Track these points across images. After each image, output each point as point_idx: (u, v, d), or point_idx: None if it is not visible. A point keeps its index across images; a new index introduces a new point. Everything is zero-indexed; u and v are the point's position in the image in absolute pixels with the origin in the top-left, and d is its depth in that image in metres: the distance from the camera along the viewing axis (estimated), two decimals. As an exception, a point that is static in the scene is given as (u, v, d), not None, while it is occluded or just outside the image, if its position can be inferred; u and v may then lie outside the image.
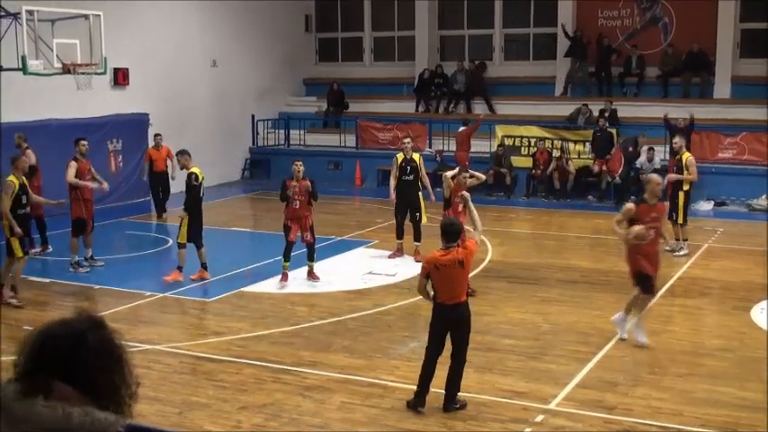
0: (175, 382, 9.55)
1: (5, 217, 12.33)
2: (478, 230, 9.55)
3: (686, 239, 15.96)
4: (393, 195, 15.68)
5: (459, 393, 8.63)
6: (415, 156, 15.73)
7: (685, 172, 15.94)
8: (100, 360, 2.61)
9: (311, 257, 13.89)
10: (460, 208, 12.52)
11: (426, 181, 15.74)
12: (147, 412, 8.14)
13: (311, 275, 13.93)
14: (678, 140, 16.55)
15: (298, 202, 13.43)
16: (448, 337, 8.64)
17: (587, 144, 22.59)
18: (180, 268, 13.74)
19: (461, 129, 23.11)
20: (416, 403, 8.58)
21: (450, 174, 13.43)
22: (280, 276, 13.70)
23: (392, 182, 15.75)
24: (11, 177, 12.70)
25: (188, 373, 9.88)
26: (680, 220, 15.85)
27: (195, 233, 13.79)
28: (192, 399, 9.03)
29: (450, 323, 8.58)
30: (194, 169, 13.84)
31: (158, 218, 19.70)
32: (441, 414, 8.53)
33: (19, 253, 12.48)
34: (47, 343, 2.60)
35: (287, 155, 25.74)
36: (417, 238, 15.49)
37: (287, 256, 13.57)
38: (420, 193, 15.60)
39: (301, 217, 13.54)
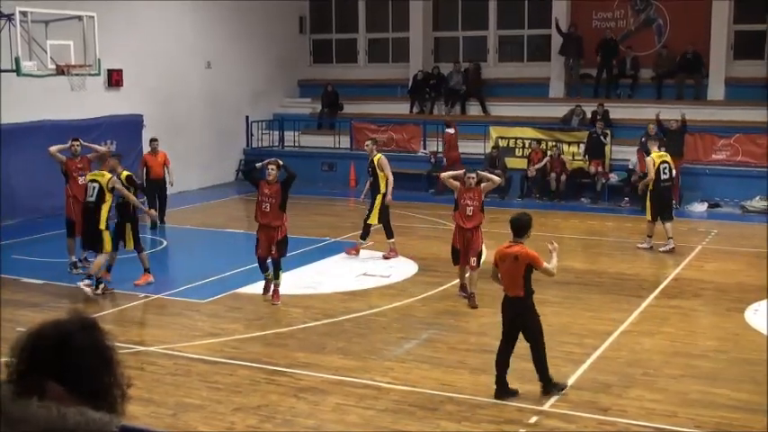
0: (169, 383, 9.53)
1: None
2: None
3: (651, 236, 16.27)
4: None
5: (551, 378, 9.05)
6: (375, 157, 15.86)
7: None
8: (88, 361, 2.62)
9: (276, 274, 12.72)
10: (469, 211, 12.51)
11: (383, 183, 15.79)
12: (141, 414, 8.13)
13: (274, 296, 12.73)
14: (649, 143, 17.03)
15: (268, 205, 12.56)
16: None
17: (581, 145, 22.60)
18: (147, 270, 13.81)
19: (448, 131, 23.46)
20: (498, 393, 8.90)
21: (447, 174, 13.32)
22: (263, 286, 13.02)
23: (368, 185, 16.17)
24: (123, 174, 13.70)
25: (182, 374, 9.86)
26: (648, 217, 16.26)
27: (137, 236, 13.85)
28: (186, 400, 9.01)
29: (510, 314, 9.05)
30: (124, 174, 13.71)
31: (152, 228, 18.43)
32: (434, 415, 8.54)
33: (108, 248, 13.26)
34: (37, 344, 2.61)
35: (281, 156, 25.70)
36: (362, 236, 15.81)
37: (263, 269, 12.87)
38: (378, 195, 15.74)
39: (270, 227, 12.58)
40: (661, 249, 15.99)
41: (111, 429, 2.59)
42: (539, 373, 9.02)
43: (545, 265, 9.10)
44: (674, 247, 16.02)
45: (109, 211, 13.34)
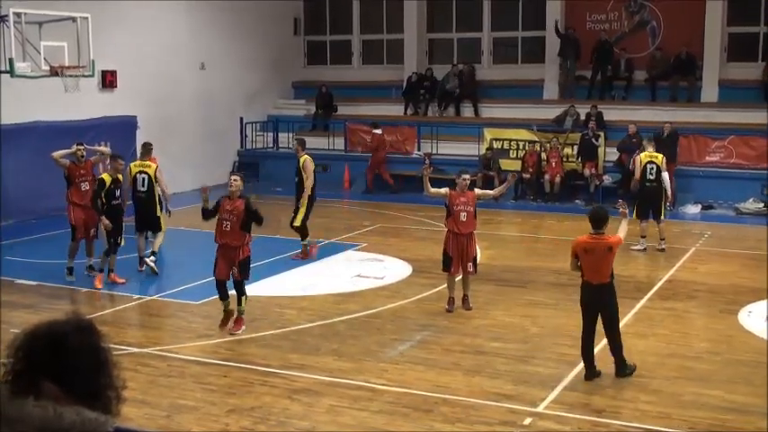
0: (163, 385, 9.52)
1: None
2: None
3: (644, 236, 16.35)
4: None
5: (625, 361, 9.56)
6: (302, 158, 15.76)
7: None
8: (84, 361, 2.62)
9: (239, 300, 11.26)
10: (463, 217, 12.19)
11: (305, 185, 15.66)
12: (135, 415, 8.12)
13: (236, 323, 11.32)
14: (644, 142, 17.01)
15: (228, 223, 11.03)
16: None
17: (575, 147, 22.63)
18: (106, 271, 13.91)
19: (376, 131, 24.28)
20: (588, 375, 9.50)
21: (436, 191, 12.51)
22: (221, 319, 11.39)
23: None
24: (104, 175, 13.82)
25: (176, 375, 9.85)
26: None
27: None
28: (180, 402, 9.00)
29: (594, 301, 9.49)
30: (103, 176, 13.82)
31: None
32: (428, 417, 8.54)
33: (164, 227, 14.62)
34: (32, 344, 2.62)
35: (276, 158, 25.80)
36: (303, 238, 15.76)
37: (221, 295, 11.27)
38: (303, 196, 15.66)
39: (230, 247, 11.09)
40: (657, 248, 16.09)
41: (106, 429, 2.60)
42: (615, 354, 9.52)
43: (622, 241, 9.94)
44: (664, 248, 16.08)
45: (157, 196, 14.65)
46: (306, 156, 15.85)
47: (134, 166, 14.71)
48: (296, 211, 15.68)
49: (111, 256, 13.87)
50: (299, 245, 16.02)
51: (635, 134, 21.11)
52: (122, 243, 14.02)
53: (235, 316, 11.28)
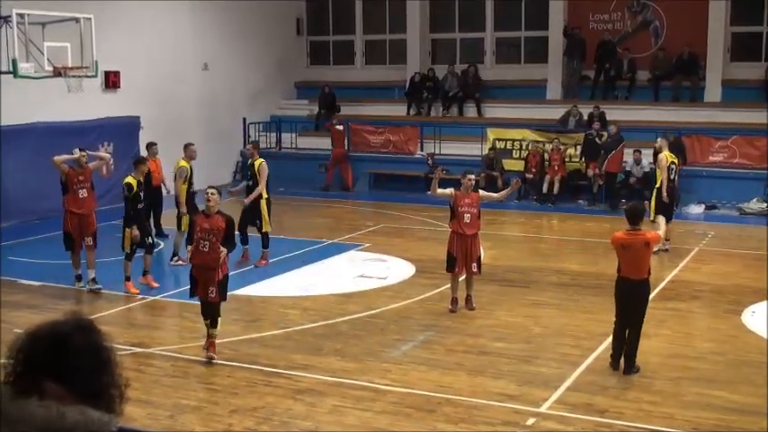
0: (167, 385, 9.53)
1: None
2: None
3: (667, 239, 16.05)
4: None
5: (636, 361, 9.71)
6: (257, 162, 15.30)
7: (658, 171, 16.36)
8: (86, 361, 2.63)
9: (214, 322, 10.26)
10: (467, 218, 12.13)
11: (259, 189, 15.04)
12: (139, 415, 8.13)
13: (209, 347, 10.25)
14: (660, 141, 16.79)
15: (207, 243, 10.06)
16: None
17: (578, 147, 22.61)
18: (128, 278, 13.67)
19: (337, 127, 24.52)
20: (615, 366, 9.75)
21: (442, 191, 12.39)
22: (204, 343, 10.36)
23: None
24: (130, 179, 13.57)
25: (179, 375, 9.85)
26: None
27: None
28: (184, 402, 9.01)
29: (629, 296, 9.66)
30: (129, 179, 13.63)
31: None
32: (431, 417, 8.54)
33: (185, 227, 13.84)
34: (34, 344, 2.63)
35: (278, 158, 25.76)
36: (263, 244, 15.23)
37: (204, 315, 10.35)
38: (262, 201, 15.05)
39: (209, 267, 10.08)
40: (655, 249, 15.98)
41: (109, 429, 2.60)
42: (631, 350, 9.68)
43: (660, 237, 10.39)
44: (667, 249, 16.04)
45: (186, 195, 15.03)
46: (261, 159, 15.47)
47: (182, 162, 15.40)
48: (260, 218, 15.05)
49: (145, 256, 13.70)
50: (301, 245, 16.03)
51: (616, 134, 21.28)
52: (156, 242, 13.95)
53: (207, 339, 10.25)
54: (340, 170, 24.97)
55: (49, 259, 15.20)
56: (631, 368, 9.70)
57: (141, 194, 13.65)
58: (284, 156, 26.10)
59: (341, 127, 24.99)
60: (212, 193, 10.15)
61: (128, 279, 13.51)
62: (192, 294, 10.44)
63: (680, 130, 21.80)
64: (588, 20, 25.56)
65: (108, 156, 14.99)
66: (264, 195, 15.08)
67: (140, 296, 13.34)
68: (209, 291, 10.09)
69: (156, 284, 13.73)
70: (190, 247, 10.31)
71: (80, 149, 13.92)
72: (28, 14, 15.99)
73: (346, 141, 25.18)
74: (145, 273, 13.77)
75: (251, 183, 15.20)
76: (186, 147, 15.47)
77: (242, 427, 8.34)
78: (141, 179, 13.75)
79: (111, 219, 19.45)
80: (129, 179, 13.59)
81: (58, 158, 13.69)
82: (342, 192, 24.13)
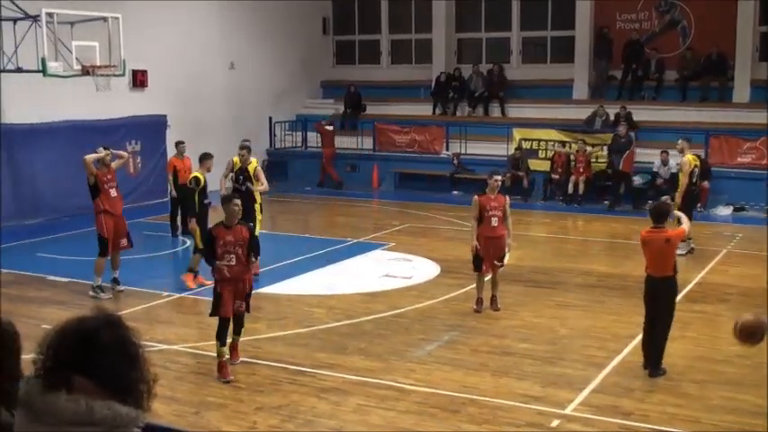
0: (192, 382, 9.59)
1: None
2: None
3: (690, 238, 15.90)
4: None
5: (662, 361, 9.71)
6: (252, 165, 14.64)
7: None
8: (115, 357, 2.66)
9: (238, 331, 9.96)
10: (494, 222, 12.03)
11: (262, 189, 14.52)
12: (164, 412, 8.18)
13: (236, 353, 10.04)
14: (681, 143, 16.64)
15: (233, 256, 9.57)
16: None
17: (605, 148, 22.51)
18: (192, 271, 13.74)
19: (328, 127, 24.91)
20: (646, 366, 9.75)
21: (473, 223, 12.14)
22: (217, 368, 9.74)
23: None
24: (198, 173, 13.81)
25: (205, 373, 9.90)
26: None
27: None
28: (209, 399, 9.06)
29: (653, 293, 9.69)
30: (197, 174, 13.77)
31: (174, 235, 17.98)
32: (455, 417, 8.53)
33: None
34: (63, 340, 2.65)
35: (304, 157, 25.88)
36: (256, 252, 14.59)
37: (222, 338, 9.67)
38: (255, 205, 14.25)
39: (238, 279, 9.67)
40: (683, 251, 15.88)
41: (137, 424, 2.63)
42: (657, 351, 9.68)
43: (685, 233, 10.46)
44: (692, 249, 15.88)
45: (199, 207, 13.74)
46: (255, 161, 15.03)
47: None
48: (254, 222, 13.85)
49: (195, 255, 13.59)
50: (326, 244, 16.05)
51: (625, 135, 21.33)
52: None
53: (230, 341, 9.88)
54: (327, 168, 25.14)
55: (77, 256, 15.33)
56: (656, 369, 9.67)
57: (207, 190, 13.62)
58: (309, 155, 26.19)
59: (330, 127, 25.26)
60: (236, 205, 9.77)
61: (190, 271, 13.65)
62: (217, 313, 9.65)
63: (708, 130, 21.64)
64: (615, 19, 25.43)
65: (127, 154, 14.82)
66: (259, 200, 14.46)
67: (166, 293, 13.42)
68: (236, 304, 9.63)
69: (208, 282, 13.42)
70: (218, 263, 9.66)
71: (104, 147, 13.71)
72: (57, 13, 16.13)
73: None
74: (190, 270, 13.77)
75: (244, 185, 14.31)
76: (205, 158, 14.16)
77: (266, 425, 8.37)
78: (206, 174, 13.77)
79: (138, 216, 19.64)
80: (197, 173, 13.72)
81: (89, 157, 13.31)
82: (335, 190, 24.27)
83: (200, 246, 13.04)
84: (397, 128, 25.72)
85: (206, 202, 13.73)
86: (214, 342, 9.66)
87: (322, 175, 25.18)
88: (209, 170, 13.98)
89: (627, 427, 8.35)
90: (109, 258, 13.41)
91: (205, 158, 14.10)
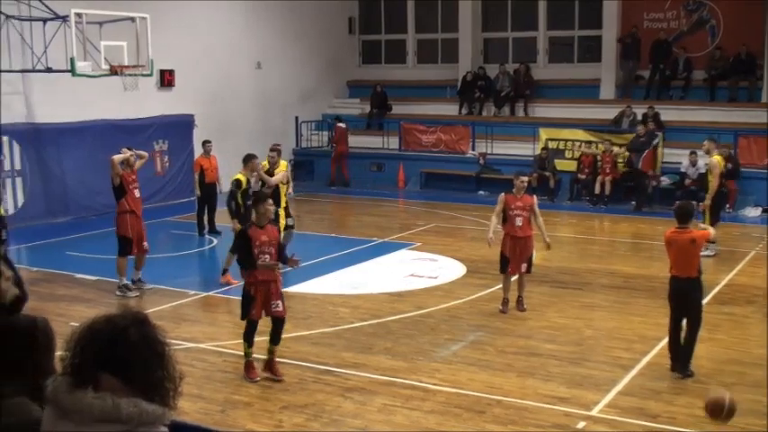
0: (218, 380, 9.63)
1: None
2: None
3: (713, 242, 15.73)
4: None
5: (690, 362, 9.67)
6: (282, 165, 14.58)
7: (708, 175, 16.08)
8: (142, 355, 2.68)
9: (277, 339, 9.64)
10: (519, 222, 12.04)
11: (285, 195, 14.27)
12: (191, 410, 8.23)
13: (271, 369, 9.64)
14: (707, 143, 16.49)
15: (267, 256, 9.49)
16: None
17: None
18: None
19: (340, 125, 25.18)
20: (674, 368, 9.71)
21: (495, 219, 12.14)
22: (244, 367, 9.67)
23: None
24: (240, 175, 13.76)
25: (231, 371, 9.95)
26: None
27: None
28: (235, 397, 9.10)
29: (678, 294, 9.64)
30: (239, 176, 13.76)
31: (200, 234, 17.93)
32: (480, 418, 8.51)
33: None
34: (91, 338, 2.68)
35: (330, 157, 25.89)
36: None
37: (250, 340, 9.60)
38: (280, 209, 13.72)
39: (273, 280, 9.56)
40: (711, 253, 15.76)
41: (162, 422, 2.66)
42: (685, 352, 9.63)
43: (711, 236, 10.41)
44: (718, 251, 15.74)
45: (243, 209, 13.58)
46: (284, 163, 14.77)
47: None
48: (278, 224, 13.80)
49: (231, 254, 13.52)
50: (351, 243, 16.06)
51: (644, 134, 21.27)
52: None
53: (267, 360, 9.70)
54: (341, 167, 25.20)
55: (105, 254, 15.42)
56: (685, 371, 9.62)
57: (250, 191, 13.48)
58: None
59: (343, 125, 25.48)
60: (270, 204, 9.76)
61: (225, 272, 13.71)
62: (248, 315, 9.50)
63: (736, 130, 21.46)
64: (643, 19, 25.28)
65: (146, 154, 14.61)
66: (283, 203, 14.22)
67: (193, 292, 13.49)
68: (272, 306, 9.43)
69: (235, 282, 13.44)
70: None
71: (127, 148, 13.70)
72: (86, 14, 16.26)
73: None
74: (224, 271, 13.80)
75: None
76: (248, 160, 13.99)
77: (292, 424, 8.39)
78: (249, 176, 13.74)
79: (165, 215, 19.77)
80: (239, 175, 13.71)
81: (117, 157, 13.30)
82: (343, 188, 24.41)
83: None
84: (423, 127, 25.72)
85: (249, 203, 13.68)
86: (241, 341, 9.69)
87: (333, 173, 25.24)
88: (253, 171, 13.86)
89: (653, 429, 8.29)
90: (132, 258, 13.44)
91: (249, 160, 13.98)
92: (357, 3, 29.56)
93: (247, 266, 9.47)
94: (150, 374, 2.68)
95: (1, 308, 4.02)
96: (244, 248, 9.55)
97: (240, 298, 9.74)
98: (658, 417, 8.57)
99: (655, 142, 21.47)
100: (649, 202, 21.45)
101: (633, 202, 21.68)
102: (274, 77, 25.62)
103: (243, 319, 9.60)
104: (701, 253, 14.92)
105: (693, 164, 20.83)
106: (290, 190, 14.83)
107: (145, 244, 13.49)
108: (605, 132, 23.15)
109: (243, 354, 9.74)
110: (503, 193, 12.35)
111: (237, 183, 13.71)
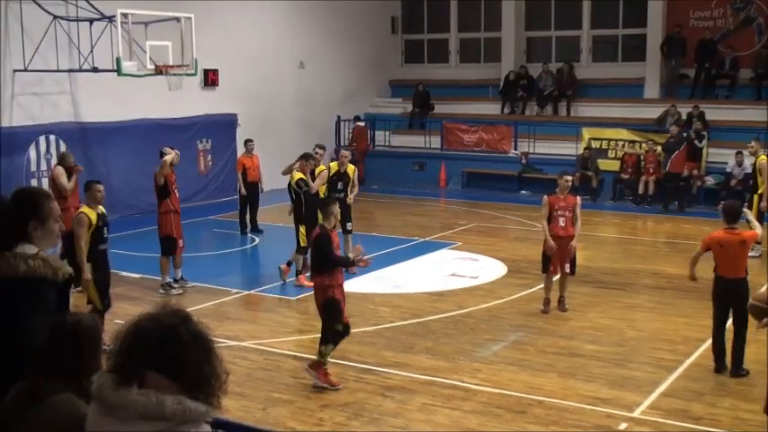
0: (260, 378, 9.69)
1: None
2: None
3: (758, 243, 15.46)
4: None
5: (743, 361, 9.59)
6: (351, 168, 14.58)
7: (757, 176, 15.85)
8: (192, 352, 2.71)
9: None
10: (561, 222, 12.02)
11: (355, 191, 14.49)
12: (232, 407, 8.29)
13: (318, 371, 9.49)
14: (754, 144, 16.24)
15: None
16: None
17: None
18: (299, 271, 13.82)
19: (359, 124, 25.49)
20: (718, 368, 9.66)
21: (543, 222, 12.15)
22: (322, 374, 9.41)
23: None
24: (333, 164, 14.00)
25: (272, 369, 10.02)
26: None
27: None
28: (276, 395, 9.16)
29: (728, 295, 9.50)
30: (332, 164, 13.79)
31: (242, 233, 18.02)
32: (521, 419, 8.50)
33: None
34: (138, 337, 2.71)
35: (372, 156, 25.94)
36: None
37: (336, 341, 9.50)
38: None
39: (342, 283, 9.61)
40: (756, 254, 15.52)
41: (205, 419, 2.68)
42: (737, 353, 9.54)
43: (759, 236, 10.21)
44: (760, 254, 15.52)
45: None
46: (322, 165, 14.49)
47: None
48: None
49: (297, 256, 13.73)
50: (393, 242, 16.07)
51: (676, 135, 21.05)
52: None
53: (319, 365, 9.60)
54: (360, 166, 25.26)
55: (149, 253, 15.58)
56: (739, 370, 9.55)
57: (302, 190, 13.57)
58: (378, 154, 26.27)
59: (362, 123, 25.80)
60: (338, 207, 9.84)
61: (299, 272, 13.73)
62: (342, 320, 9.37)
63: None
64: (689, 17, 24.97)
65: (177, 152, 14.23)
66: (350, 200, 14.43)
67: (235, 290, 13.60)
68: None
69: (310, 284, 13.59)
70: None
71: (170, 147, 13.77)
72: (131, 14, 16.45)
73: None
74: (298, 272, 13.79)
75: (342, 193, 14.30)
76: (306, 159, 13.92)
77: (332, 423, 8.43)
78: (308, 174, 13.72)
79: (208, 214, 19.94)
80: (301, 174, 13.65)
81: (168, 158, 13.33)
82: (382, 186, 24.52)
83: (304, 244, 13.33)
84: (465, 127, 25.66)
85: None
86: (282, 339, 9.76)
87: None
88: (306, 170, 13.82)
89: (696, 431, 8.21)
90: (172, 258, 13.53)
91: (306, 159, 13.93)
92: (400, 2, 29.55)
93: (333, 268, 9.31)
94: (198, 372, 2.70)
95: (55, 284, 4.11)
96: (330, 250, 9.26)
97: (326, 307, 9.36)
98: (701, 419, 8.49)
99: (685, 143, 21.20)
100: (693, 203, 21.21)
101: (677, 202, 21.45)
102: (317, 77, 25.71)
103: (336, 324, 9.33)
104: (750, 254, 14.78)
105: (739, 164, 20.55)
106: (351, 196, 14.53)
107: (181, 241, 13.60)
108: (649, 132, 22.93)
109: (319, 359, 9.41)
110: (545, 196, 12.33)
111: (305, 182, 13.60)
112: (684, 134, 21.39)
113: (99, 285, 10.42)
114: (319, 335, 9.58)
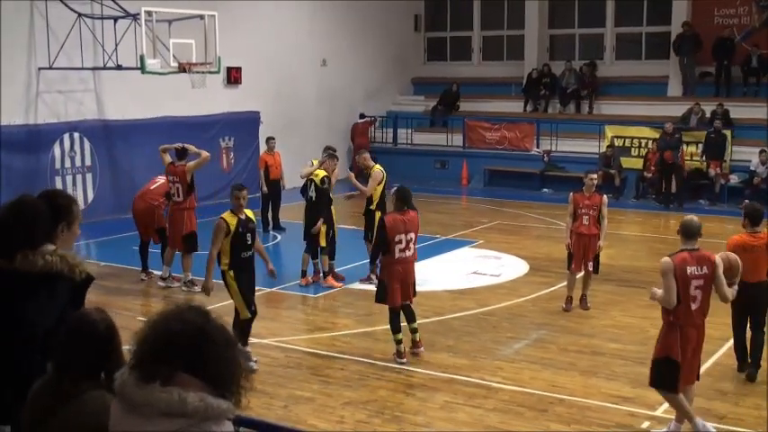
0: (281, 375, 9.72)
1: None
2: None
3: None
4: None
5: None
6: (374, 168, 14.07)
7: None
8: (218, 350, 2.72)
9: (414, 318, 10.40)
10: (585, 221, 12.02)
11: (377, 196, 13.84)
12: (254, 404, 8.23)
13: (418, 343, 10.35)
14: None
15: (410, 245, 10.23)
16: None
17: (700, 145, 22.02)
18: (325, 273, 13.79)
19: (362, 121, 25.60)
20: (741, 367, 9.59)
21: (569, 221, 12.22)
22: (396, 354, 10.11)
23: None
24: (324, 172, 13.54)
25: (294, 367, 10.04)
26: None
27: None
28: (297, 393, 9.18)
29: (747, 298, 9.21)
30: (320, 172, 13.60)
31: (264, 231, 17.73)
32: (543, 417, 8.48)
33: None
34: (169, 337, 2.70)
35: (394, 154, 25.92)
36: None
37: (397, 327, 10.14)
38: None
39: (411, 266, 10.31)
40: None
41: (227, 417, 2.69)
42: (755, 356, 9.47)
43: None
44: None
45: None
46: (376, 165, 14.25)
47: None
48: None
49: (324, 257, 13.71)
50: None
51: (672, 132, 21.07)
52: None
53: (414, 337, 10.33)
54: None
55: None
56: (756, 370, 9.47)
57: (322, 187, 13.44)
58: (400, 151, 26.25)
59: (362, 120, 25.86)
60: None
61: (327, 275, 13.69)
62: (395, 301, 10.02)
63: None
64: (713, 15, 24.77)
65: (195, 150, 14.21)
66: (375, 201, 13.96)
67: (256, 288, 13.57)
68: (410, 293, 10.20)
69: (339, 285, 13.65)
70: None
71: (184, 145, 13.77)
72: (156, 12, 16.54)
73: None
74: (325, 274, 13.75)
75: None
76: (330, 158, 14.01)
77: (354, 420, 8.44)
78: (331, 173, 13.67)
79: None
80: (325, 172, 13.58)
81: (192, 164, 13.39)
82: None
83: (324, 245, 13.41)
84: (487, 124, 25.61)
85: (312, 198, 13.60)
86: (303, 337, 9.78)
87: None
88: (333, 170, 13.79)
89: (720, 430, 8.16)
90: (178, 255, 13.56)
91: (330, 158, 13.90)
92: (423, 1, 29.55)
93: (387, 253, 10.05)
94: (222, 369, 2.71)
95: (71, 281, 4.14)
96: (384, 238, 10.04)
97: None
98: (725, 418, 8.44)
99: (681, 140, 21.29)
100: (716, 201, 21.09)
101: (700, 201, 21.31)
102: (339, 74, 25.74)
103: (383, 302, 10.15)
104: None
105: (763, 162, 20.41)
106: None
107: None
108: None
109: (395, 340, 10.12)
110: (571, 193, 12.35)
111: (329, 180, 13.61)
112: (678, 135, 21.31)
113: (243, 294, 10.09)
114: (339, 332, 9.61)
